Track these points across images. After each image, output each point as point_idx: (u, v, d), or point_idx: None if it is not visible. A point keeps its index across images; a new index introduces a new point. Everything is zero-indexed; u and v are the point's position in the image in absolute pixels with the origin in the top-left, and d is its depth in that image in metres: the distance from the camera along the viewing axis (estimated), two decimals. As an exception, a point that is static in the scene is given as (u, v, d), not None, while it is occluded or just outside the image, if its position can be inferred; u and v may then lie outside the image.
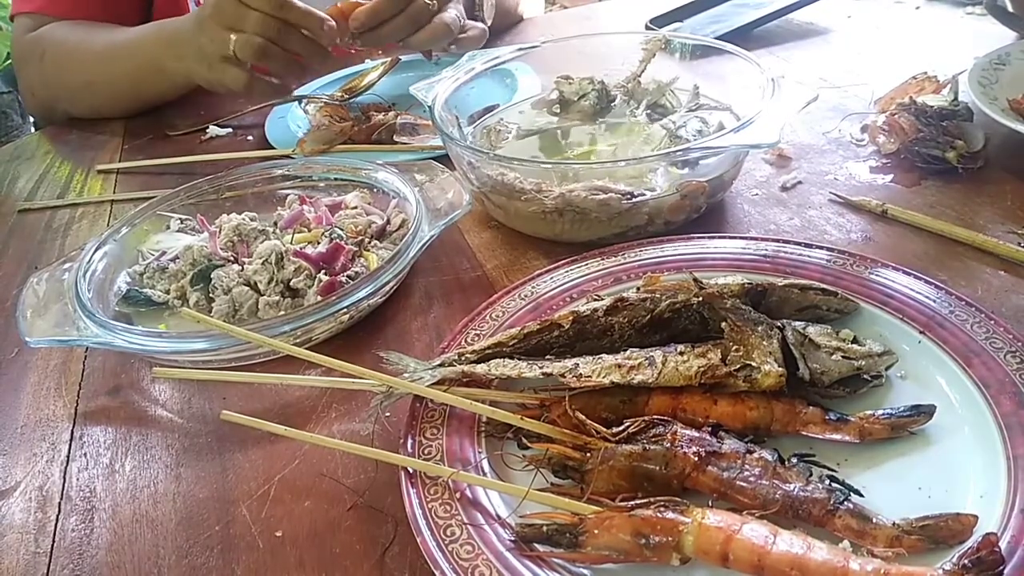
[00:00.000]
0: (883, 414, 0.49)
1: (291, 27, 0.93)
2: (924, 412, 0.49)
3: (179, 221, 0.79)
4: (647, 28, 1.19)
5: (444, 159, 0.80)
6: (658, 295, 0.55)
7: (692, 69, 0.89)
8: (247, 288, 0.67)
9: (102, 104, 1.16)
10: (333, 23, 0.94)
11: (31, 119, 2.53)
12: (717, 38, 0.96)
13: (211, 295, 0.68)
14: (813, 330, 0.53)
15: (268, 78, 1.00)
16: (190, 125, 1.07)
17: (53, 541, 0.51)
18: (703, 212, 0.73)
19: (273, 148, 0.97)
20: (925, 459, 0.47)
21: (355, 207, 0.77)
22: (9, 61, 2.61)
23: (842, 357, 0.51)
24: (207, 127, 1.06)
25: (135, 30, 1.12)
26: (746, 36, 1.14)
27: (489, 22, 1.22)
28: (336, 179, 0.82)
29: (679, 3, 1.27)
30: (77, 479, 0.56)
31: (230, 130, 1.06)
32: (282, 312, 0.65)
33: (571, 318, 0.55)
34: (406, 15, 0.96)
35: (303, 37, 0.95)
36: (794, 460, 0.46)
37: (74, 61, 1.13)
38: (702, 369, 0.50)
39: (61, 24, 1.17)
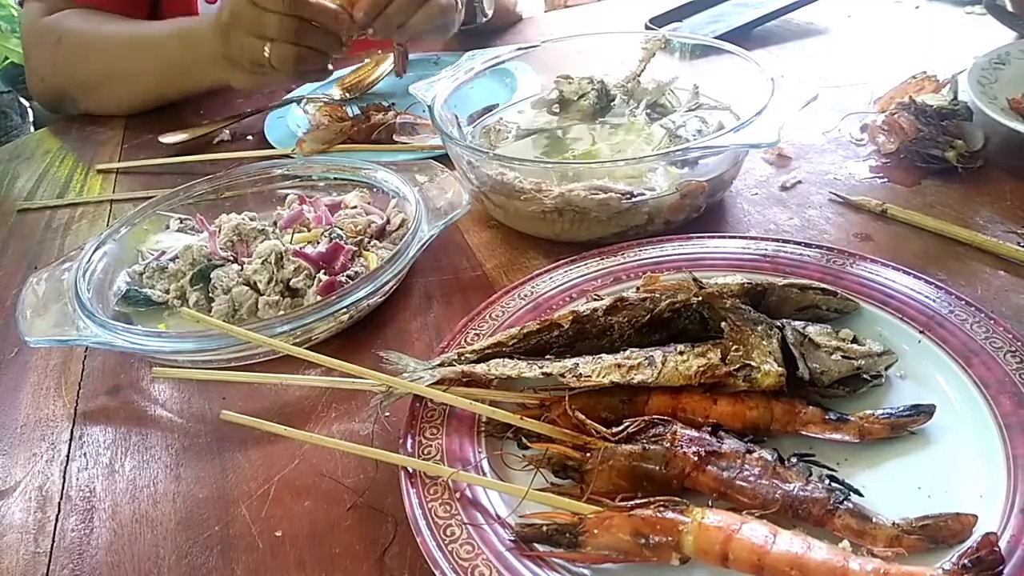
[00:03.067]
0: (883, 414, 0.49)
1: (307, 23, 0.95)
2: (924, 412, 0.49)
3: (179, 221, 0.79)
4: (647, 28, 1.19)
5: (444, 159, 0.80)
6: (658, 295, 0.55)
7: (692, 69, 0.89)
8: (247, 288, 0.67)
9: (117, 98, 1.16)
10: (344, 13, 0.96)
11: (31, 119, 2.54)
12: (717, 38, 0.96)
13: (211, 295, 0.68)
14: (813, 330, 0.53)
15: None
16: (191, 128, 1.06)
17: (53, 541, 0.51)
18: (703, 212, 0.73)
19: (273, 148, 0.97)
20: (925, 459, 0.47)
21: (355, 207, 0.77)
22: (8, 61, 2.62)
23: (842, 357, 0.51)
24: (208, 135, 1.04)
25: (156, 27, 1.13)
26: (746, 36, 1.14)
27: (490, 12, 1.22)
28: (336, 179, 0.82)
29: (679, 3, 1.27)
30: (77, 479, 0.56)
31: (230, 133, 1.05)
32: (282, 312, 0.65)
33: (571, 318, 0.55)
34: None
35: (319, 30, 0.96)
36: (794, 460, 0.46)
37: (93, 50, 1.14)
38: (702, 369, 0.50)
39: (76, 12, 1.17)
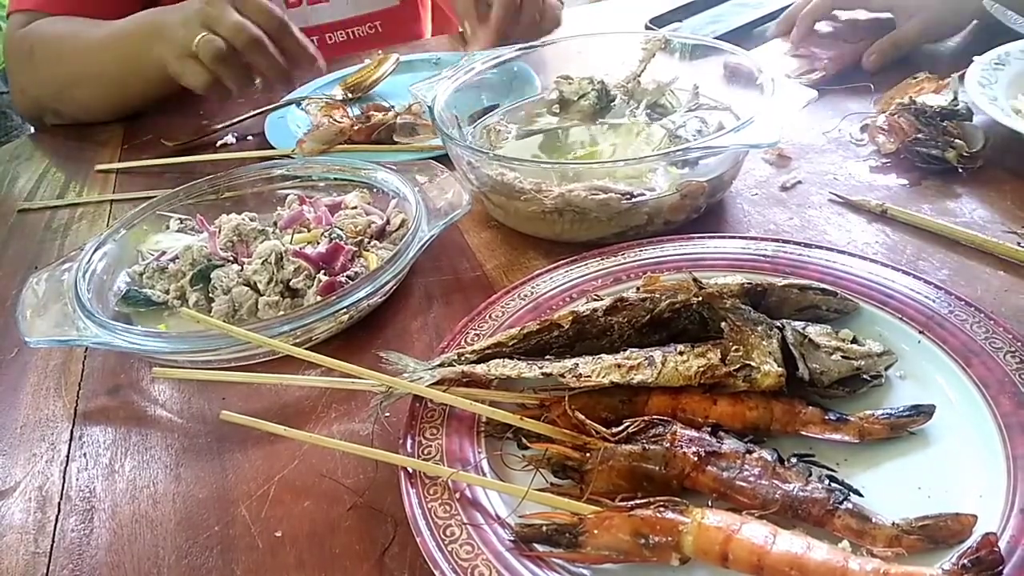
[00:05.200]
0: (882, 414, 0.49)
1: (264, 46, 0.94)
2: (923, 412, 0.49)
3: (179, 221, 0.78)
4: (647, 28, 1.18)
5: (444, 159, 0.80)
6: (658, 295, 0.55)
7: (692, 69, 0.89)
8: (247, 288, 0.67)
9: (89, 101, 1.13)
10: (323, 64, 1.00)
11: (31, 119, 2.53)
12: (717, 38, 0.96)
13: (211, 295, 0.68)
14: (813, 330, 0.53)
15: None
16: (190, 131, 1.06)
17: (53, 541, 0.51)
18: (703, 212, 0.73)
19: (273, 148, 0.97)
20: (925, 459, 0.47)
21: (355, 207, 0.77)
22: (9, 61, 2.61)
23: (842, 357, 0.51)
24: (205, 136, 1.04)
25: (123, 20, 1.08)
26: (746, 36, 1.14)
27: None
28: (336, 179, 0.82)
29: (679, 3, 1.27)
30: (77, 479, 0.56)
31: (235, 137, 1.05)
32: (282, 312, 0.65)
33: (571, 318, 0.55)
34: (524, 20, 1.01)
35: (272, 58, 0.96)
36: (794, 460, 0.46)
37: (62, 55, 1.11)
38: (702, 369, 0.50)
39: (50, 20, 1.15)
